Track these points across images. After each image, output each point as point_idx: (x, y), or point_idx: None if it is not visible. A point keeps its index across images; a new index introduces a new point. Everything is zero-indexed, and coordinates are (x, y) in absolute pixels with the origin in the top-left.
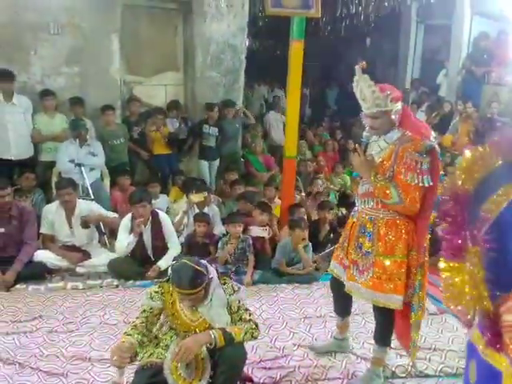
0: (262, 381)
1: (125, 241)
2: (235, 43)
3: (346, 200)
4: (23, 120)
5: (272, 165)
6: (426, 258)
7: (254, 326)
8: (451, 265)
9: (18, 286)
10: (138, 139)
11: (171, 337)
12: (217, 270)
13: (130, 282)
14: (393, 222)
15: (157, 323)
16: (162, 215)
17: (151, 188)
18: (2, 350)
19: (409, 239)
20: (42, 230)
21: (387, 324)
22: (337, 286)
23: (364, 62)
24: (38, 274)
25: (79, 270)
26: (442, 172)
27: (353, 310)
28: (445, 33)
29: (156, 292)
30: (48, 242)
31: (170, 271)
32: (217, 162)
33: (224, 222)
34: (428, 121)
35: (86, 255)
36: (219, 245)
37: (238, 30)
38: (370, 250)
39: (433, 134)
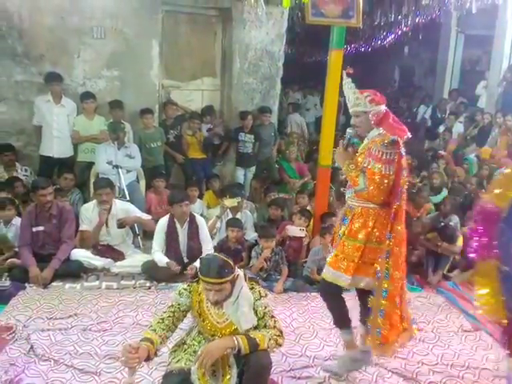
0: None
1: (162, 255)
2: (273, 50)
3: None
4: (67, 121)
5: (305, 172)
6: (398, 248)
7: (278, 333)
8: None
9: (54, 283)
10: (173, 143)
11: (199, 342)
12: (245, 275)
13: (163, 284)
14: (366, 210)
15: (182, 320)
16: (199, 218)
17: (190, 192)
18: (38, 346)
19: (373, 229)
20: (82, 228)
21: (331, 307)
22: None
23: (350, 68)
24: (74, 272)
25: (114, 269)
26: (406, 167)
27: None
28: (485, 43)
29: (185, 289)
30: (86, 239)
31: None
32: (253, 169)
33: (256, 230)
34: (467, 133)
35: (121, 255)
36: (252, 253)
37: (276, 37)
38: (341, 232)
39: (407, 135)
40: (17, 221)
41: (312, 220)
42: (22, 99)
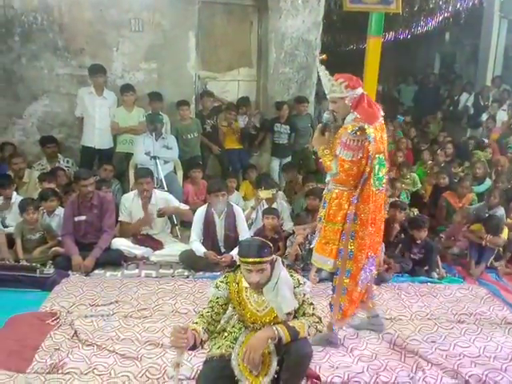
0: (329, 380)
1: (200, 245)
2: (309, 39)
3: (418, 200)
4: (108, 113)
5: None
6: (363, 230)
7: (317, 320)
8: None
9: (96, 271)
10: (210, 133)
11: (239, 329)
12: (283, 262)
13: (200, 273)
14: (341, 193)
15: (223, 313)
16: (236, 208)
17: (229, 183)
18: (82, 332)
19: (348, 210)
20: (121, 218)
21: None
22: None
23: (324, 55)
24: (114, 260)
25: (153, 258)
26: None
27: (425, 314)
28: None
29: (222, 282)
30: (125, 230)
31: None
32: (289, 159)
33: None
34: (511, 121)
35: (159, 245)
36: (288, 243)
37: (312, 25)
38: (321, 216)
39: (378, 120)
40: (60, 211)
41: None
42: (63, 92)
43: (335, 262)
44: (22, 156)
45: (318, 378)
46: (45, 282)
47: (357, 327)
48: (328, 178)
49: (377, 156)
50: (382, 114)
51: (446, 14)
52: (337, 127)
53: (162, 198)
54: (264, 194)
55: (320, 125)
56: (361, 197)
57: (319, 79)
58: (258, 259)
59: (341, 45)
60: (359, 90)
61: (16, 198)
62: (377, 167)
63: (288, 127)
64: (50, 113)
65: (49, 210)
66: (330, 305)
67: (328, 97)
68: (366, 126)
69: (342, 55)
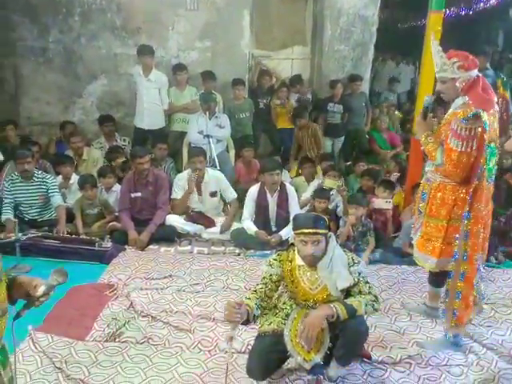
0: (380, 359)
1: (251, 224)
2: (366, 14)
3: None
4: (157, 94)
5: (397, 142)
6: (477, 228)
7: (374, 299)
8: None
9: (151, 246)
10: (263, 110)
11: (291, 306)
12: (336, 241)
13: (251, 251)
14: (443, 186)
15: (276, 290)
16: (289, 187)
17: None
18: (137, 304)
19: (454, 206)
20: (173, 196)
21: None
22: None
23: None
24: (168, 236)
25: (205, 236)
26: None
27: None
28: None
29: (275, 260)
30: (176, 207)
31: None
32: (342, 139)
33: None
34: None
35: (212, 222)
36: (340, 223)
37: (369, 0)
38: (422, 209)
39: (494, 108)
40: (117, 187)
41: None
42: (120, 72)
43: (438, 261)
44: (81, 135)
45: (369, 356)
46: (103, 255)
47: (412, 310)
48: (427, 168)
49: (489, 145)
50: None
51: None
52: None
53: (214, 176)
54: (329, 183)
55: (421, 109)
56: (475, 193)
57: (376, 57)
58: (313, 230)
59: (399, 21)
60: (474, 72)
61: (75, 178)
62: (488, 158)
63: (341, 106)
64: (108, 92)
65: (107, 187)
66: (443, 310)
67: (437, 76)
68: (481, 113)
69: (400, 32)
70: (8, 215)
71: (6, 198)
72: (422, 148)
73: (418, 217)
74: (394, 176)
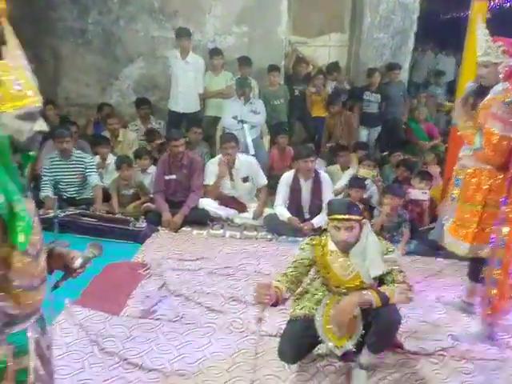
0: (413, 350)
1: (284, 210)
2: (407, 2)
3: None
4: (193, 78)
5: (435, 134)
6: None
7: (408, 288)
8: None
9: (184, 228)
10: (298, 98)
11: (323, 292)
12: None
13: (283, 237)
14: (479, 171)
15: (306, 275)
16: (324, 175)
17: None
18: (170, 283)
19: (490, 191)
20: (206, 182)
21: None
22: None
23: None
24: (201, 220)
25: (237, 220)
26: None
27: None
28: None
29: (307, 244)
30: (209, 192)
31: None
32: (378, 128)
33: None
34: None
35: (244, 207)
36: (375, 212)
37: None
38: (456, 195)
39: None
40: (152, 169)
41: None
42: (157, 55)
43: (471, 247)
44: (117, 117)
45: (400, 346)
46: (137, 235)
47: (447, 304)
48: (462, 153)
49: None
50: None
51: None
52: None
53: (245, 162)
54: (364, 172)
55: (463, 95)
56: None
57: (416, 46)
58: (347, 215)
59: (440, 11)
60: None
61: (111, 159)
62: None
63: (379, 95)
64: (144, 75)
65: (142, 168)
66: (481, 299)
67: (479, 60)
68: None
69: (440, 22)
70: (47, 192)
71: (44, 175)
72: (459, 133)
73: (451, 203)
74: (434, 169)
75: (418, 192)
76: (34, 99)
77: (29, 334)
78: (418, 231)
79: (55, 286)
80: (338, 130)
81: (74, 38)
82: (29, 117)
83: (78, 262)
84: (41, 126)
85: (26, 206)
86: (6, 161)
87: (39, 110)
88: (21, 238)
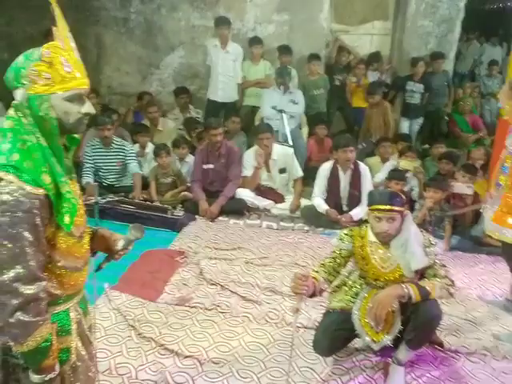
0: (453, 348)
1: (322, 201)
2: None
3: None
4: (232, 67)
5: (480, 126)
6: None
7: (450, 283)
8: None
9: (220, 218)
10: (338, 87)
11: (361, 284)
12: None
13: (320, 229)
14: None
15: (344, 266)
16: (363, 166)
17: None
18: (207, 272)
19: None
20: (244, 174)
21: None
22: None
23: None
24: (238, 209)
25: (274, 211)
26: None
27: None
28: None
29: (346, 234)
30: (246, 183)
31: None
32: (420, 120)
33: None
34: None
35: (281, 198)
36: (416, 206)
37: None
38: (502, 183)
39: None
40: (190, 158)
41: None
42: (197, 43)
43: None
44: (157, 105)
45: (441, 344)
46: (174, 223)
47: (490, 302)
48: (509, 140)
49: None
50: None
51: None
52: None
53: (282, 153)
54: (405, 164)
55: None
56: None
57: (461, 35)
58: (388, 206)
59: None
60: None
61: (151, 147)
62: None
63: (422, 86)
64: (184, 64)
65: (180, 157)
66: None
67: None
68: None
69: (488, 10)
70: (88, 179)
71: (86, 162)
72: (505, 117)
73: (496, 190)
74: (478, 163)
75: (463, 186)
76: (82, 81)
77: (71, 315)
78: (460, 226)
79: (98, 268)
80: (375, 121)
81: (116, 26)
82: (77, 99)
83: (120, 244)
84: (88, 108)
85: (71, 188)
86: (54, 142)
87: (87, 92)
88: (66, 219)
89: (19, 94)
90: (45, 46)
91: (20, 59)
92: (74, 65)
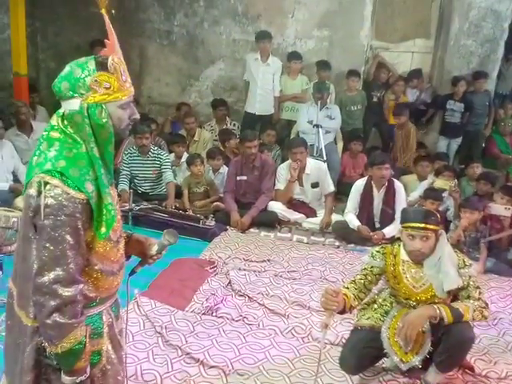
0: (484, 373)
1: (354, 217)
2: (499, 9)
3: None
4: (271, 80)
5: None
6: None
7: (484, 305)
8: None
9: (251, 229)
10: (375, 104)
11: (391, 303)
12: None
13: (351, 245)
14: None
15: (375, 283)
16: (398, 184)
17: None
18: (235, 283)
19: None
20: (277, 187)
21: None
22: None
23: None
24: (269, 222)
25: (305, 225)
26: None
27: None
28: None
29: (378, 252)
30: (280, 197)
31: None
32: (459, 139)
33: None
34: None
35: (313, 212)
36: (451, 226)
37: None
38: None
39: None
40: (224, 169)
41: None
42: (237, 57)
43: None
44: (194, 116)
45: (471, 368)
46: (206, 233)
47: None
48: None
49: None
50: None
51: None
52: None
53: (316, 167)
54: (441, 183)
55: None
56: None
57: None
58: (422, 224)
59: None
60: None
61: (186, 157)
62: None
63: (463, 105)
64: (223, 77)
65: (214, 168)
66: None
67: None
68: None
69: None
70: (124, 186)
71: (123, 169)
72: None
73: None
74: None
75: (501, 207)
76: (131, 89)
77: (104, 318)
78: (496, 249)
79: (132, 272)
80: (398, 142)
81: (160, 39)
82: (127, 106)
83: (154, 249)
84: (136, 114)
85: (112, 196)
86: (107, 150)
87: (132, 99)
88: (103, 229)
89: (73, 104)
90: (102, 56)
91: (75, 70)
92: (127, 74)
